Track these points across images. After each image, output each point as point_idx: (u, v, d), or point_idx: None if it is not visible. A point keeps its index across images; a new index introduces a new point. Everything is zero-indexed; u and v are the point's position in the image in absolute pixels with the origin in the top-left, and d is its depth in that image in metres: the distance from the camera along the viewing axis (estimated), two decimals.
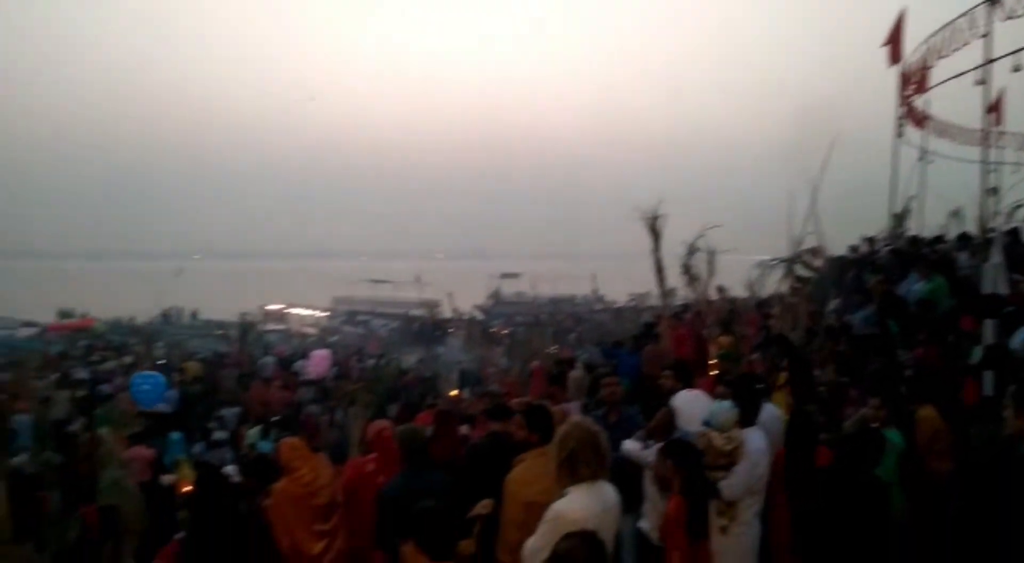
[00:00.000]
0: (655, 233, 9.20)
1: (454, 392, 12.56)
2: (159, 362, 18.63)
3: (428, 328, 34.66)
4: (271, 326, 37.17)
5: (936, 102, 15.70)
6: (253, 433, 11.48)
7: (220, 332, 32.29)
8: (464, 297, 38.04)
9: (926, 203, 15.07)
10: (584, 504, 3.60)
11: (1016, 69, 10.75)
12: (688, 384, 5.90)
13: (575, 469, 3.67)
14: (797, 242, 9.06)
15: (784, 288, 9.47)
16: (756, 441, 4.52)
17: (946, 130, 16.06)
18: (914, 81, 15.28)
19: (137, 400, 9.86)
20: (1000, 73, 11.23)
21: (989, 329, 6.74)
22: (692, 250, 9.44)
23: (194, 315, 41.53)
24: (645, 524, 4.84)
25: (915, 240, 13.29)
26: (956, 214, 13.44)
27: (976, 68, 11.46)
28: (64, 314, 34.20)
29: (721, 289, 11.45)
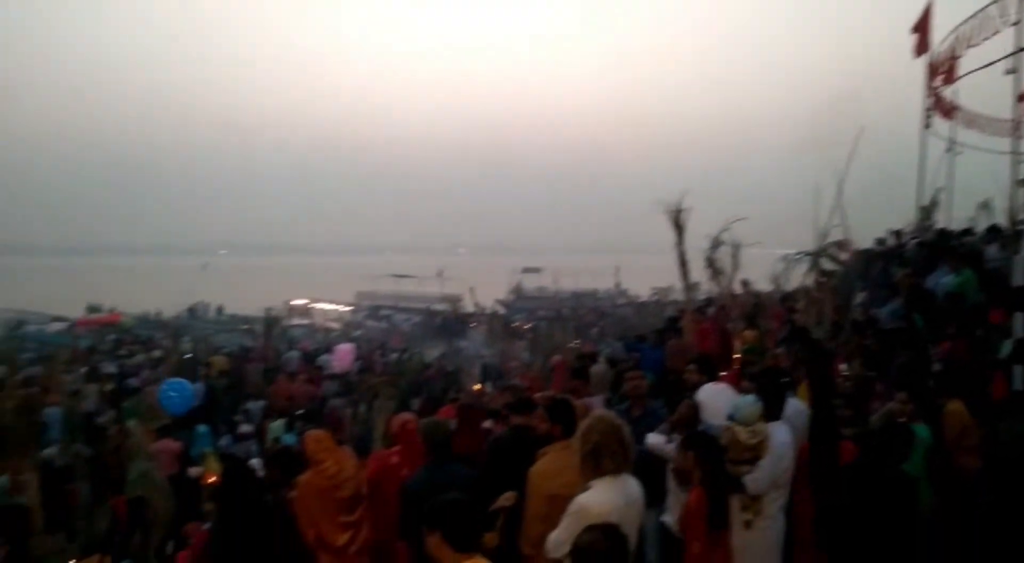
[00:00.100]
0: (679, 226, 9.16)
1: (477, 386, 12.60)
2: (186, 356, 18.83)
3: (450, 322, 34.75)
4: (296, 321, 37.43)
5: (965, 92, 15.44)
6: (276, 426, 11.60)
7: (245, 327, 32.56)
8: (486, 292, 38.04)
9: (954, 195, 14.85)
10: (608, 497, 3.60)
11: None
12: (713, 378, 5.88)
13: (599, 462, 3.67)
14: (823, 235, 8.94)
15: (809, 282, 9.38)
16: (781, 435, 4.49)
17: (975, 120, 15.78)
18: (942, 71, 15.04)
19: (165, 407, 10.04)
20: None
21: (1019, 323, 6.65)
22: (716, 243, 9.38)
23: (220, 310, 41.90)
24: (668, 518, 4.82)
25: (943, 233, 13.10)
26: (985, 206, 13.22)
27: (1006, 57, 11.25)
28: (93, 309, 34.66)
29: (745, 283, 11.36)
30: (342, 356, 18.71)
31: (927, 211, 14.12)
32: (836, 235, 9.14)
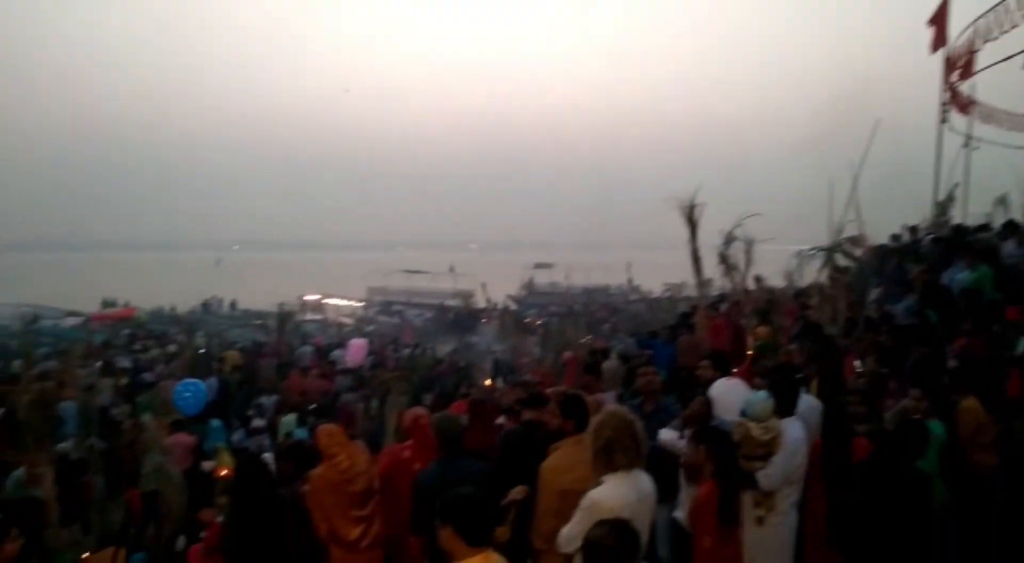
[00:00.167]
0: (692, 222, 9.13)
1: (488, 382, 12.61)
2: (199, 351, 18.92)
3: (462, 318, 34.79)
4: (308, 316, 37.57)
5: (982, 86, 15.31)
6: (288, 421, 11.64)
7: (259, 322, 32.69)
8: (498, 287, 38.10)
9: (971, 190, 14.75)
10: (620, 493, 3.59)
11: None
12: (726, 374, 5.86)
13: (611, 457, 3.67)
14: (837, 231, 8.92)
15: (823, 278, 9.33)
16: (794, 431, 4.47)
17: (992, 115, 15.64)
18: (959, 65, 14.92)
19: (179, 408, 10.12)
20: None
21: None
22: (729, 239, 9.36)
23: (233, 305, 42.08)
24: (680, 514, 4.81)
25: (959, 229, 12.99)
26: (1002, 201, 13.13)
27: None
28: (107, 304, 34.89)
29: (759, 279, 11.33)
30: (355, 351, 18.74)
31: (943, 207, 14.01)
32: (851, 231, 9.12)
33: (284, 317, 24.25)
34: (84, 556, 5.75)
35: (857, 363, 6.95)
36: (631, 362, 9.59)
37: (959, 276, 9.33)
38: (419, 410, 6.12)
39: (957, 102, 15.61)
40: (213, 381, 13.62)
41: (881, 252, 12.21)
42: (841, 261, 9.17)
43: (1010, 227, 11.06)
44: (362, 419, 12.63)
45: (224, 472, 6.62)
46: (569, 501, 3.86)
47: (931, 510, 4.20)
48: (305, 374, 16.07)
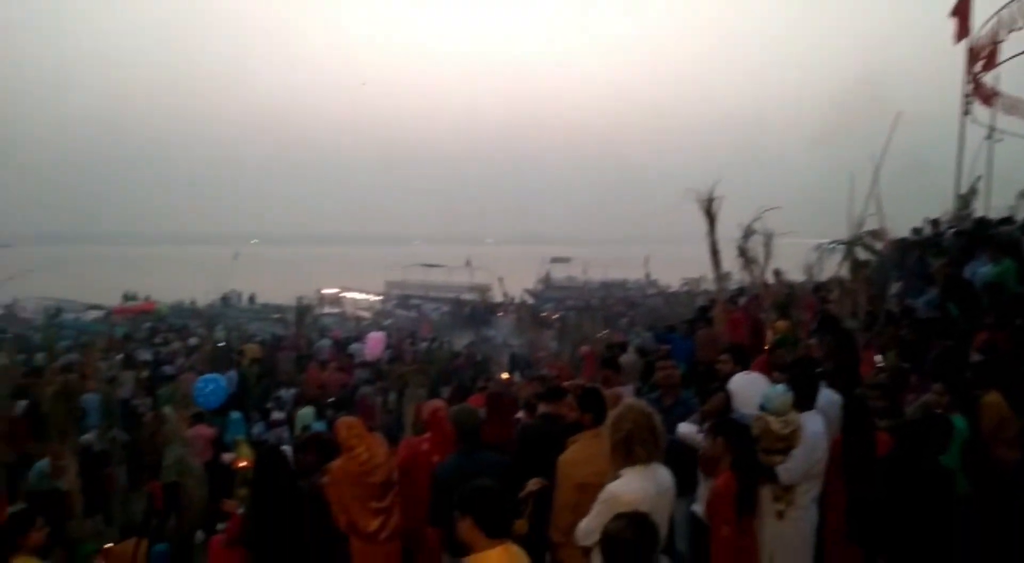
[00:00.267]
0: (710, 216, 9.08)
1: (505, 375, 12.63)
2: (219, 344, 19.09)
3: (479, 312, 34.85)
4: (327, 310, 37.80)
5: (1006, 78, 15.09)
6: (305, 414, 11.72)
7: (277, 315, 32.94)
8: (515, 281, 38.11)
9: (994, 183, 14.55)
10: (639, 486, 3.59)
11: None
12: (745, 368, 5.84)
13: (630, 451, 3.66)
14: (858, 224, 8.84)
15: (844, 272, 9.26)
16: (814, 425, 4.44)
17: (1016, 106, 15.41)
18: (983, 56, 14.70)
19: (200, 403, 10.22)
20: None
21: None
22: (748, 233, 9.30)
23: (252, 299, 42.40)
24: (699, 508, 4.80)
25: (982, 221, 12.82)
26: None
27: None
28: (128, 297, 35.26)
29: (778, 273, 11.25)
30: (373, 344, 18.83)
31: (965, 199, 13.84)
32: (871, 224, 9.03)
33: (303, 311, 24.39)
34: (107, 546, 5.83)
35: (878, 358, 6.89)
36: (649, 356, 9.59)
37: (982, 270, 9.22)
38: (437, 403, 6.14)
39: (980, 93, 15.39)
40: (233, 374, 13.74)
41: (902, 246, 12.09)
42: (861, 255, 9.09)
43: None
44: (380, 412, 12.70)
45: (243, 464, 6.69)
46: (587, 494, 3.86)
47: (953, 505, 4.17)
48: (324, 367, 16.18)
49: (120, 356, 16.96)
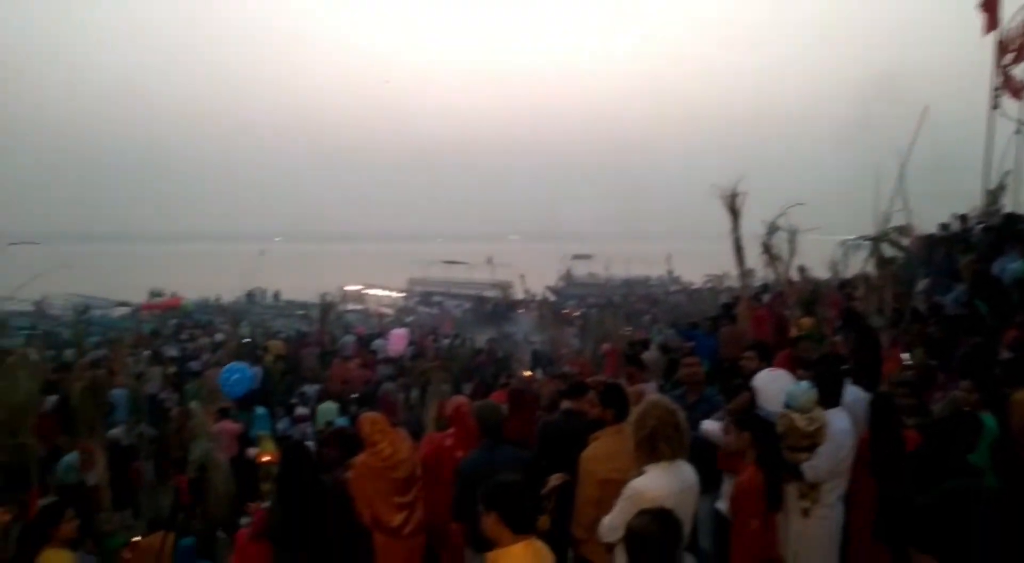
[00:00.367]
0: (734, 212, 9.02)
1: (527, 372, 12.64)
2: (244, 341, 19.25)
3: (501, 309, 34.86)
4: (350, 306, 37.95)
5: None
6: (326, 409, 11.79)
7: (302, 312, 33.16)
8: (536, 278, 38.05)
9: (1023, 178, 14.31)
10: (663, 482, 3.58)
11: None
12: (770, 365, 5.80)
13: (654, 447, 3.66)
14: (884, 220, 8.72)
15: (870, 268, 9.15)
16: (840, 422, 4.41)
17: None
18: (1012, 48, 14.47)
19: (226, 392, 10.30)
20: None
21: None
22: (773, 229, 9.23)
23: (276, 295, 42.70)
24: (723, 505, 4.78)
25: (1011, 217, 12.62)
26: None
27: None
28: (155, 294, 35.64)
29: (803, 269, 11.15)
30: (396, 341, 18.90)
31: (994, 195, 13.63)
32: (898, 220, 8.90)
33: (326, 307, 24.51)
34: (134, 540, 5.89)
35: (905, 355, 6.81)
36: (672, 353, 9.55)
37: (1010, 266, 9.09)
38: (461, 398, 6.16)
39: (1009, 87, 15.13)
40: (258, 370, 13.85)
41: (929, 242, 11.94)
42: (888, 251, 8.98)
43: None
44: (402, 408, 12.75)
45: (267, 458, 6.73)
46: (609, 490, 3.85)
47: (982, 504, 4.11)
48: (347, 363, 16.27)
49: (147, 352, 17.17)
